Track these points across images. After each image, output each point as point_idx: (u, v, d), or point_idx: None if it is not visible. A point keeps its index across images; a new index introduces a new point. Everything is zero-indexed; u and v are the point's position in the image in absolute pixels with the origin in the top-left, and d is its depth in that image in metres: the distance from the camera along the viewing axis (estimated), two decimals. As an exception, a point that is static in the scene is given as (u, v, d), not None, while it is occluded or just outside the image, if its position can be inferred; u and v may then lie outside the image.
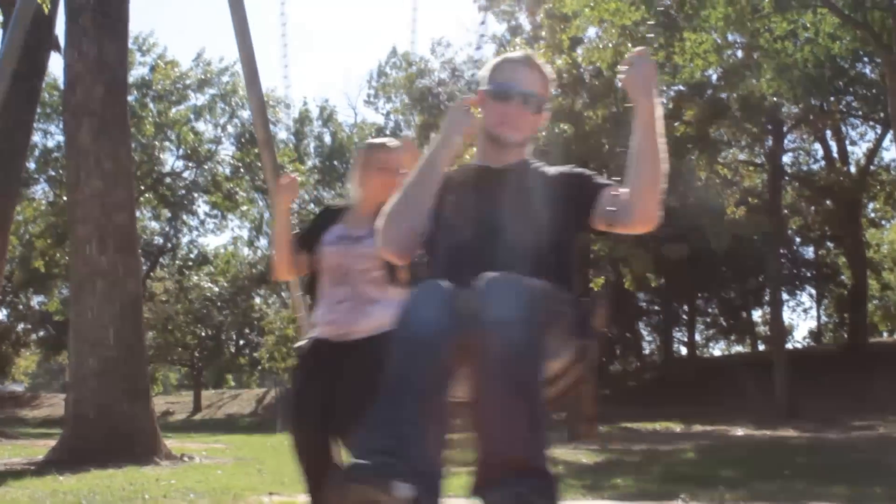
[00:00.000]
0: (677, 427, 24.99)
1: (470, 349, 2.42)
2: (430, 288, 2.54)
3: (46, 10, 12.42)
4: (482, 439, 2.40)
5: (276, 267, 4.18)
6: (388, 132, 46.41)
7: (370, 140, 4.00)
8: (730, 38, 19.22)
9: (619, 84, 2.96)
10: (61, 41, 12.59)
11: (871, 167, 32.79)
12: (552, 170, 3.04)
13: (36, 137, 33.26)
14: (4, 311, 43.01)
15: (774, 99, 21.81)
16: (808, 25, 16.85)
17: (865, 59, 23.08)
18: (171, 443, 14.06)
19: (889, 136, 27.61)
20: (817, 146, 35.07)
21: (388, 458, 2.20)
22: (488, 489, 2.34)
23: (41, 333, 45.54)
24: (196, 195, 40.22)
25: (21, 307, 43.82)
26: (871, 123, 31.85)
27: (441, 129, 3.00)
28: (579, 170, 3.04)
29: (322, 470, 3.65)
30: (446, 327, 2.42)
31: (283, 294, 43.33)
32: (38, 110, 21.69)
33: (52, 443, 12.91)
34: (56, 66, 25.00)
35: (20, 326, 45.42)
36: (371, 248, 3.42)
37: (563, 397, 2.83)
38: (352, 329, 3.78)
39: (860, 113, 31.23)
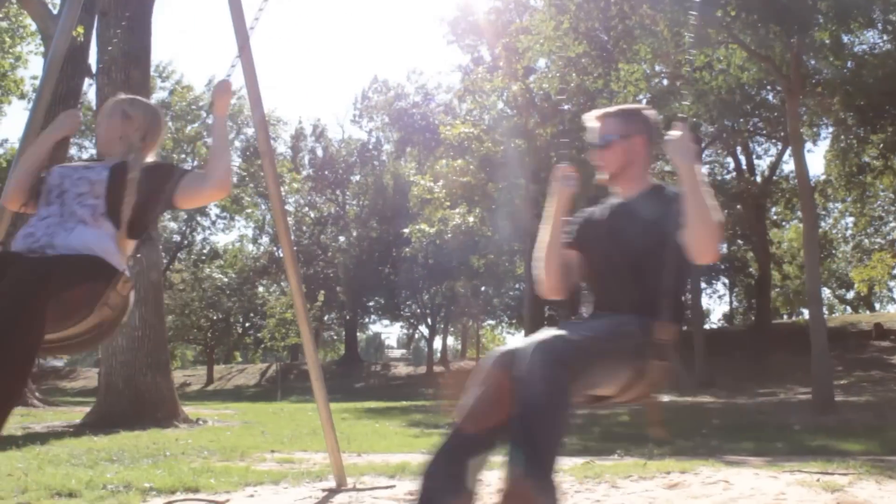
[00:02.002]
0: (613, 394, 25.08)
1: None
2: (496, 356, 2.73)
3: (80, 40, 12.35)
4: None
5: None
6: (370, 146, 46.39)
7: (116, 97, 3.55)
8: (656, 68, 19.33)
9: (665, 152, 3.00)
10: (94, 69, 12.45)
11: (774, 177, 33.10)
12: (660, 197, 3.11)
13: (73, 150, 32.94)
14: (46, 298, 42.70)
15: (694, 120, 21.90)
16: (722, 58, 16.96)
17: (769, 86, 23.26)
18: (188, 409, 14.00)
19: (788, 151, 27.77)
20: (729, 160, 35.40)
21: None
22: None
23: (78, 317, 45.24)
24: (208, 200, 40.05)
25: (61, 294, 43.54)
26: (774, 141, 32.19)
27: (554, 200, 3.16)
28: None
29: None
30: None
31: (282, 284, 43.22)
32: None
33: (87, 409, 12.83)
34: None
35: (61, 310, 45.08)
36: (96, 176, 3.15)
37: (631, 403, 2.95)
38: (50, 243, 3.00)
39: (764, 132, 31.48)
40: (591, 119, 3.26)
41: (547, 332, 2.65)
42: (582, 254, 3.16)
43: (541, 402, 2.45)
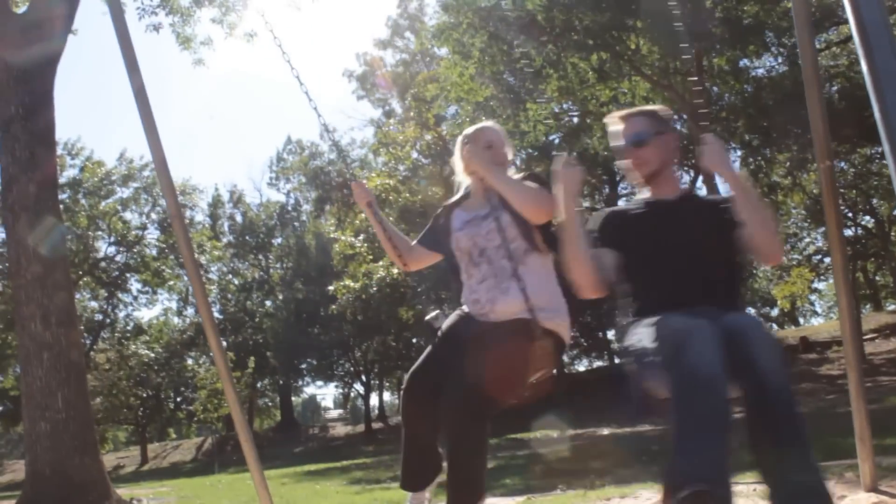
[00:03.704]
0: (554, 433, 25.12)
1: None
2: (700, 329, 2.57)
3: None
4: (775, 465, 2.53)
5: (396, 261, 3.75)
6: (289, 208, 46.14)
7: (464, 132, 3.59)
8: (565, 106, 19.70)
9: (698, 163, 3.03)
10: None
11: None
12: (711, 198, 3.15)
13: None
14: (-36, 393, 41.25)
15: (606, 153, 22.30)
16: (626, 91, 17.39)
17: (675, 116, 23.85)
18: (123, 490, 13.59)
19: (700, 178, 28.46)
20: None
21: (712, 487, 2.34)
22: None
23: (0, 408, 43.70)
24: (128, 275, 39.49)
25: (-21, 387, 42.08)
26: (686, 168, 32.87)
27: (558, 188, 3.07)
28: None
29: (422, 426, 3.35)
30: (723, 366, 2.50)
31: (210, 354, 42.50)
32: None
33: (13, 502, 12.38)
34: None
35: (-21, 404, 43.55)
36: (498, 223, 3.30)
37: None
38: (492, 308, 3.30)
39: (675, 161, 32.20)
40: (613, 120, 3.24)
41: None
42: (624, 254, 3.09)
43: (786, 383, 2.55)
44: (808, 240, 33.39)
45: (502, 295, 3.28)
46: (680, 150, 3.22)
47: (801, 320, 49.98)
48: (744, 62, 17.02)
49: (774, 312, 50.48)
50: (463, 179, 3.58)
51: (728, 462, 2.44)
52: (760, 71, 18.30)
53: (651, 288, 3.03)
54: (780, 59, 17.67)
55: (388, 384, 50.34)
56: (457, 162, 3.56)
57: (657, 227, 3.05)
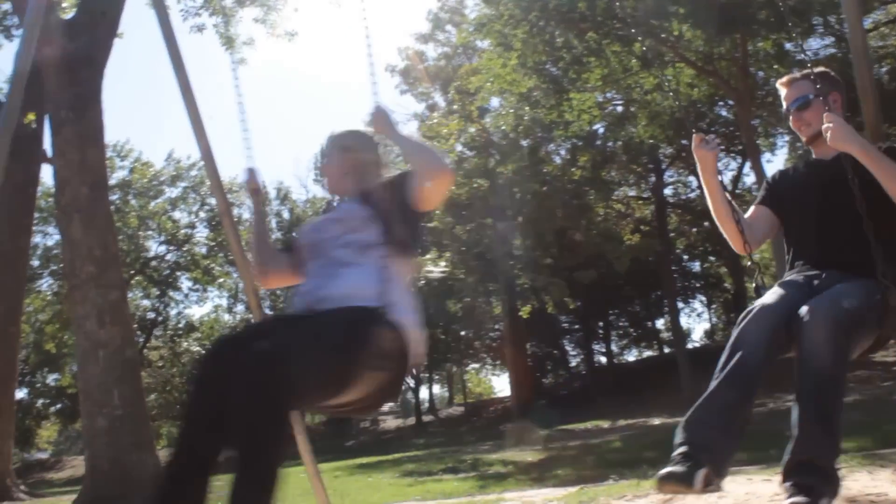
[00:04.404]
0: (605, 423, 25.01)
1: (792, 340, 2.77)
2: (763, 308, 2.89)
3: (32, 125, 12.35)
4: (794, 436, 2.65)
5: (256, 267, 3.39)
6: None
7: (327, 138, 3.35)
8: (608, 95, 19.55)
9: (829, 143, 2.98)
10: (49, 153, 12.45)
11: (736, 191, 33.38)
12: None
13: (37, 238, 32.77)
14: (24, 391, 42.02)
15: (651, 142, 22.11)
16: (671, 78, 17.21)
17: (720, 102, 23.57)
18: (178, 485, 13.76)
19: (748, 164, 28.12)
20: (692, 178, 35.65)
21: (697, 453, 2.56)
22: (786, 478, 2.65)
23: (59, 406, 44.53)
24: (179, 273, 39.97)
25: (38, 385, 42.84)
26: (733, 155, 32.50)
27: (699, 166, 3.34)
28: None
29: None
30: (765, 351, 2.73)
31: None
32: (36, 215, 21.40)
33: (74, 497, 12.62)
34: (47, 174, 24.65)
35: (39, 402, 44.37)
36: (340, 213, 3.02)
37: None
38: (322, 296, 2.73)
39: (722, 147, 31.73)
40: (780, 85, 3.36)
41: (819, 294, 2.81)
42: (780, 211, 3.34)
43: (829, 373, 2.63)
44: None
45: (333, 279, 2.79)
46: (844, 109, 3.27)
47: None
48: (789, 45, 16.73)
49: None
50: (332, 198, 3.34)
51: (726, 433, 2.62)
52: (808, 54, 17.98)
53: (794, 247, 3.28)
54: (826, 41, 17.38)
55: (437, 377, 50.46)
56: (322, 173, 3.38)
57: (806, 187, 3.23)
